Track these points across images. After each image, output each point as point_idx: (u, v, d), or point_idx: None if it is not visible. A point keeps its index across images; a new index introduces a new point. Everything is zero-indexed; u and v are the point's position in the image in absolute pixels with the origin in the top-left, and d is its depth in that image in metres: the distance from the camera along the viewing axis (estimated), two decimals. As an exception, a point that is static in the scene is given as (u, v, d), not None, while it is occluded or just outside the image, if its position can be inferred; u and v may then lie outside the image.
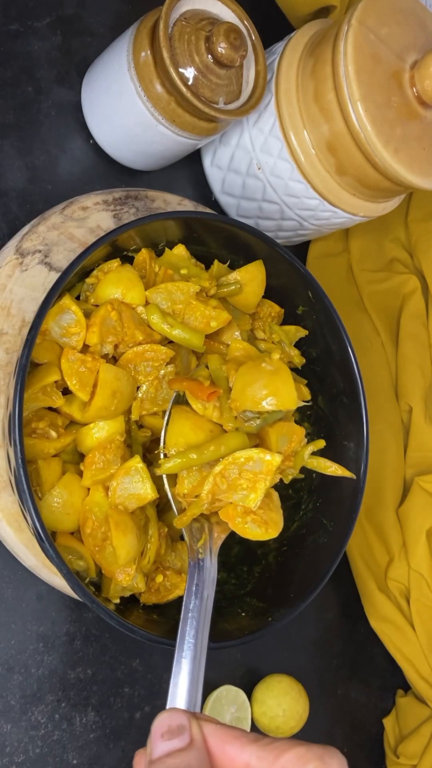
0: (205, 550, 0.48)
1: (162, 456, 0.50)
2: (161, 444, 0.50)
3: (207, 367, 0.53)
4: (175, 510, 0.50)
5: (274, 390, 0.48)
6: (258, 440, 0.51)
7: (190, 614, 0.44)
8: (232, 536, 0.50)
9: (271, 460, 0.48)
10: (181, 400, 0.52)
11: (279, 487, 0.60)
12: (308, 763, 0.28)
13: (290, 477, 0.52)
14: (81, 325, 0.50)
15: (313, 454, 0.54)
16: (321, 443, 0.53)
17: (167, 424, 0.50)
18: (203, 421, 0.50)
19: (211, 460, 0.49)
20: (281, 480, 0.53)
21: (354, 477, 0.54)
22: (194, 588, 0.45)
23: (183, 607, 0.44)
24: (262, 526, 0.48)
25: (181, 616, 0.43)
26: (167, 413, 0.51)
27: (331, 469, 0.54)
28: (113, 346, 0.51)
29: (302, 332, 0.58)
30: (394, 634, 0.71)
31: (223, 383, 0.51)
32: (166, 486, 0.49)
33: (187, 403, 0.51)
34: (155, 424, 0.53)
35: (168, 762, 0.29)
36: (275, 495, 0.51)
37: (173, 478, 0.50)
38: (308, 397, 0.58)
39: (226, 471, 0.48)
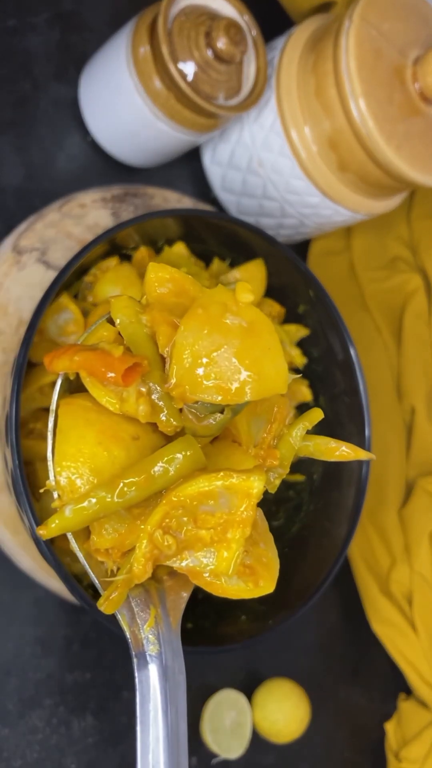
0: (159, 635, 0.30)
1: (55, 496, 0.31)
2: (49, 476, 0.30)
3: (112, 321, 0.32)
4: (93, 578, 0.33)
5: (253, 362, 0.29)
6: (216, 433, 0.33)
7: (151, 758, 0.27)
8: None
9: (248, 487, 0.28)
10: (75, 387, 0.32)
11: (279, 489, 0.59)
12: None
13: (278, 482, 0.34)
14: (79, 324, 0.49)
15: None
16: (318, 414, 0.34)
17: (54, 435, 0.31)
18: (119, 421, 0.30)
19: (144, 499, 0.29)
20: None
21: (373, 457, 0.36)
22: (149, 707, 0.28)
23: (138, 744, 0.28)
24: (249, 578, 0.30)
25: (138, 760, 0.28)
26: (51, 417, 0.31)
27: (339, 452, 0.34)
28: (111, 345, 0.50)
29: (303, 331, 0.58)
30: (396, 637, 0.70)
31: (146, 347, 0.30)
32: (72, 542, 0.31)
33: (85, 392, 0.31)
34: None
35: None
36: (260, 516, 0.32)
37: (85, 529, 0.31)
38: (309, 397, 0.57)
39: (171, 520, 0.28)
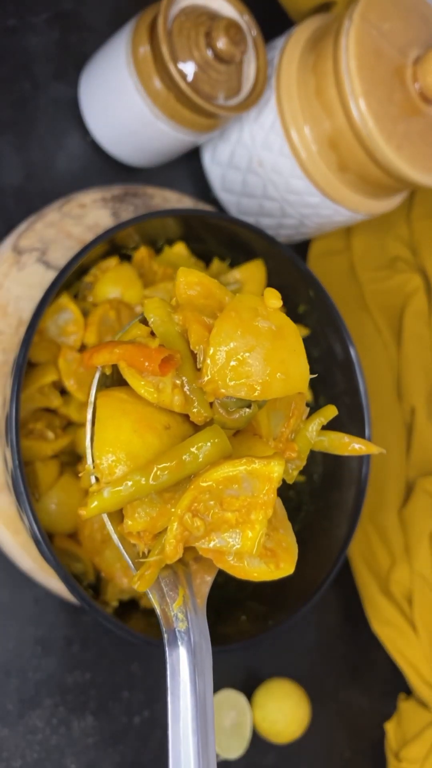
0: (187, 613, 0.33)
1: (92, 481, 0.33)
2: (88, 460, 0.33)
3: (145, 321, 0.34)
4: (127, 559, 0.34)
5: (280, 364, 0.31)
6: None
7: (181, 725, 0.30)
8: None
9: (269, 472, 0.31)
10: (110, 382, 0.35)
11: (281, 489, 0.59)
12: None
13: (295, 474, 0.36)
14: (79, 324, 0.49)
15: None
16: (332, 411, 0.36)
17: (92, 425, 0.33)
18: (152, 412, 0.32)
19: (175, 483, 0.31)
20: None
21: (383, 451, 0.38)
22: (179, 678, 0.31)
23: (169, 713, 0.31)
24: (271, 560, 0.32)
25: (169, 727, 0.31)
26: (90, 408, 0.33)
27: (351, 447, 0.37)
28: (111, 345, 0.50)
29: (303, 331, 0.58)
30: (396, 637, 0.70)
31: (179, 344, 0.32)
32: (108, 524, 0.33)
33: (123, 385, 0.33)
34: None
35: None
36: (279, 504, 0.35)
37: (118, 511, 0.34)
38: (309, 398, 0.57)
39: (199, 504, 0.31)
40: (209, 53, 0.52)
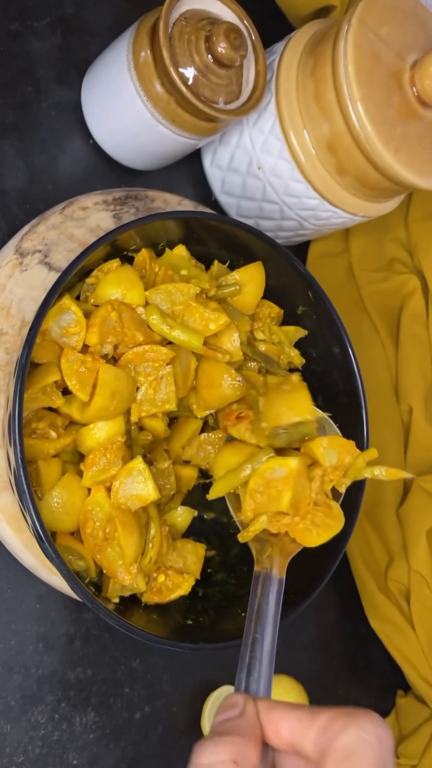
0: (272, 562, 0.50)
1: (213, 480, 0.56)
2: (212, 468, 0.57)
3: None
4: (238, 524, 0.54)
5: (292, 404, 0.53)
6: (309, 460, 0.54)
7: (254, 614, 0.45)
8: (232, 537, 0.50)
9: (288, 462, 0.51)
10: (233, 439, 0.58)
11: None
12: (339, 718, 0.33)
13: (344, 488, 0.54)
14: (81, 326, 0.50)
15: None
16: (373, 453, 0.54)
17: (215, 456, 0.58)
18: (243, 446, 0.55)
19: (247, 477, 0.53)
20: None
21: (413, 477, 0.58)
22: (258, 590, 0.48)
23: (248, 608, 0.46)
24: (316, 529, 0.52)
25: (246, 616, 0.45)
26: (215, 450, 0.59)
27: (383, 476, 0.55)
28: (113, 346, 0.50)
29: (302, 332, 0.58)
30: (394, 634, 0.71)
31: (256, 410, 0.56)
32: (232, 512, 0.55)
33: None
34: (155, 427, 0.53)
35: (221, 726, 0.35)
36: (335, 505, 0.54)
37: (238, 504, 0.54)
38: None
39: (257, 486, 0.52)
40: (209, 58, 0.53)
